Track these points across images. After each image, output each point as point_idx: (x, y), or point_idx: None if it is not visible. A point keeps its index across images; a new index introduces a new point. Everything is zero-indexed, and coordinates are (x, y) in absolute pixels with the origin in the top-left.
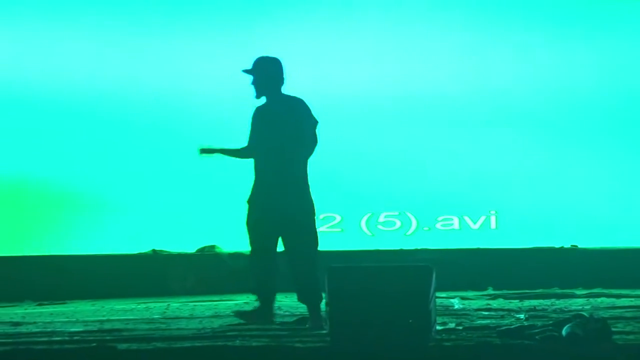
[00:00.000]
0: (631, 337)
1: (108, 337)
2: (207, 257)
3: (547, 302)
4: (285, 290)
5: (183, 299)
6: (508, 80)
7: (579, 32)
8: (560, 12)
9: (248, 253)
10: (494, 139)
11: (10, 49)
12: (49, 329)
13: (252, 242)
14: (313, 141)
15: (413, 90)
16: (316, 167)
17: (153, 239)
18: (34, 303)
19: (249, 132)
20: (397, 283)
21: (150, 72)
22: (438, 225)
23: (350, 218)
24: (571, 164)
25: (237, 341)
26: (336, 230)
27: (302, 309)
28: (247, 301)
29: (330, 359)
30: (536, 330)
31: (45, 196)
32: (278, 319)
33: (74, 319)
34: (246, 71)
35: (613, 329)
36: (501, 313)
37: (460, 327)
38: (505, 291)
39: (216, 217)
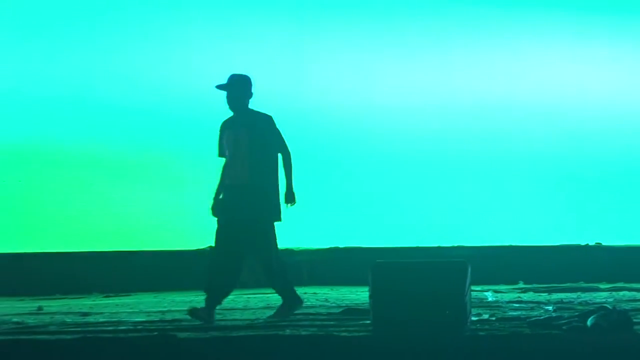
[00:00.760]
0: None
1: (169, 327)
2: None
3: (573, 295)
4: (331, 284)
5: (237, 292)
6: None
7: None
8: None
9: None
10: (518, 144)
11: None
12: (114, 319)
13: (216, 245)
14: (286, 152)
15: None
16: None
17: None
18: (101, 295)
19: (217, 144)
20: (436, 277)
21: None
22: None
23: None
24: (595, 167)
25: (287, 331)
26: None
27: (347, 300)
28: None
29: (373, 347)
30: (563, 321)
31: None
32: (325, 310)
33: (138, 310)
34: (220, 87)
35: (634, 320)
36: (531, 305)
37: (494, 318)
38: (534, 285)
39: None
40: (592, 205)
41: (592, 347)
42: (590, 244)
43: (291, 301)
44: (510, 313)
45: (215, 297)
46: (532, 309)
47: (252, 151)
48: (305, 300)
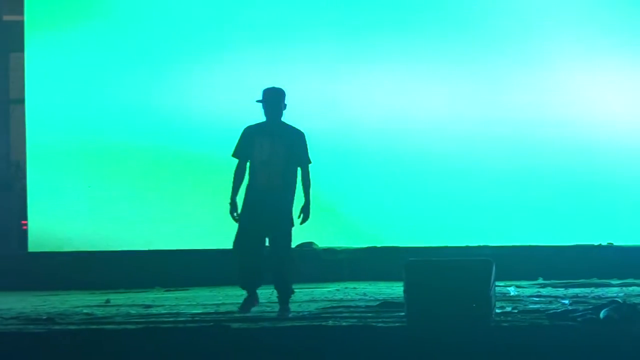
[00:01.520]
0: None
1: (223, 318)
2: (305, 252)
3: (588, 290)
4: (369, 279)
5: None
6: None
7: None
8: None
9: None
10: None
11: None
12: (174, 311)
13: (241, 242)
14: (307, 168)
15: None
16: None
17: None
18: (163, 289)
19: (236, 145)
20: (463, 274)
21: None
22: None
23: None
24: (606, 174)
25: (330, 322)
26: None
27: (384, 294)
28: (338, 288)
29: (408, 336)
30: (578, 314)
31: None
32: (364, 303)
33: (195, 303)
34: (259, 101)
35: None
36: (549, 299)
37: (516, 311)
38: (553, 281)
39: (312, 218)
40: (604, 209)
41: (605, 337)
42: (602, 244)
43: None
44: (531, 306)
45: (253, 287)
46: (550, 302)
47: (287, 161)
48: (346, 294)
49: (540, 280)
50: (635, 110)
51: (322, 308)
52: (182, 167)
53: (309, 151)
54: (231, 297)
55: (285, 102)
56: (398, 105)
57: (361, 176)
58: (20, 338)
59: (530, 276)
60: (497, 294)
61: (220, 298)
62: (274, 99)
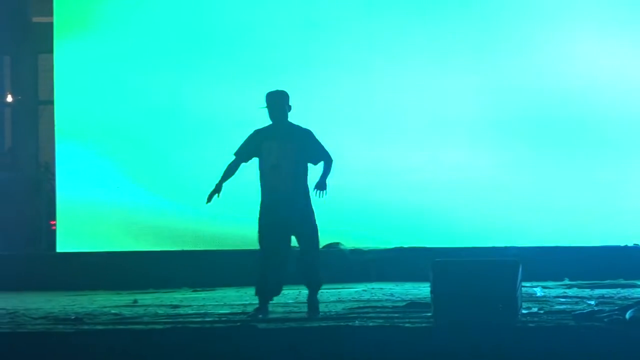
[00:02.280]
0: None
1: (250, 318)
2: (332, 253)
3: (614, 291)
4: (396, 280)
5: None
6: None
7: None
8: None
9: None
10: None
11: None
12: (202, 311)
13: (263, 245)
14: (328, 159)
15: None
16: None
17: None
18: (190, 289)
19: (241, 144)
20: (490, 274)
21: None
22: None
23: None
24: (635, 171)
25: (357, 322)
26: None
27: (411, 295)
28: (365, 289)
29: (434, 337)
30: (604, 315)
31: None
32: (391, 304)
33: (222, 303)
34: (267, 107)
35: None
36: (575, 300)
37: (542, 311)
38: (579, 282)
39: (339, 219)
40: (631, 210)
41: (631, 337)
42: (629, 244)
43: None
44: (557, 307)
45: (265, 298)
46: (576, 303)
47: (296, 163)
48: (373, 294)
49: (567, 281)
50: None
51: (349, 308)
52: (210, 168)
53: (321, 143)
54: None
55: (290, 104)
56: (426, 105)
57: (388, 177)
58: (48, 338)
59: (556, 277)
60: (523, 295)
61: (247, 298)
62: (278, 103)
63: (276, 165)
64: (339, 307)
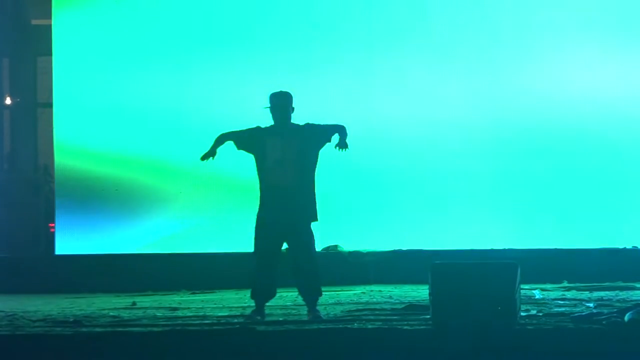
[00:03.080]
0: None
1: (249, 321)
2: (331, 255)
3: (612, 293)
4: (395, 282)
5: None
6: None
7: None
8: None
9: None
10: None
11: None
12: (200, 314)
13: (258, 247)
14: (340, 128)
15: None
16: None
17: None
18: (189, 292)
19: (241, 130)
20: (489, 277)
21: None
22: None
23: None
24: (634, 173)
25: (355, 324)
26: None
27: (409, 297)
28: (364, 291)
29: (433, 339)
30: (603, 317)
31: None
32: (389, 306)
33: (221, 305)
34: (267, 107)
35: None
36: (574, 302)
37: (541, 314)
38: (577, 284)
39: (338, 220)
40: (629, 212)
41: (630, 340)
42: (627, 247)
43: (311, 312)
44: (556, 309)
45: (262, 301)
46: (575, 305)
47: (301, 162)
48: (372, 297)
49: (565, 284)
50: None
51: (348, 311)
52: (209, 170)
53: (324, 124)
54: None
55: (293, 106)
56: (423, 109)
57: (387, 179)
58: (47, 340)
59: (555, 279)
60: (522, 297)
61: (246, 301)
62: (282, 104)
63: (280, 160)
64: (338, 310)
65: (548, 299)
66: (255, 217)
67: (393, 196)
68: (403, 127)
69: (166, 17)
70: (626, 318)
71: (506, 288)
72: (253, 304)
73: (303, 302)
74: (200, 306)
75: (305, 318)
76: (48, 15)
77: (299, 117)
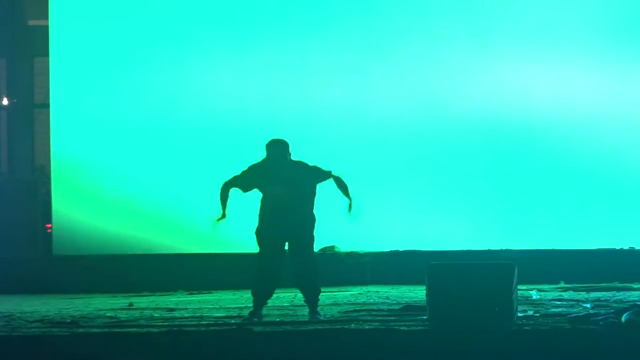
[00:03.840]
0: None
1: (246, 321)
2: (328, 256)
3: (609, 294)
4: (392, 283)
5: None
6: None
7: None
8: None
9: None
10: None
11: None
12: (197, 314)
13: (261, 249)
14: (335, 177)
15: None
16: None
17: None
18: (186, 292)
19: (239, 177)
20: (486, 277)
21: None
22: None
23: None
24: (631, 175)
25: (352, 325)
26: None
27: (406, 298)
28: (361, 292)
29: (430, 340)
30: (600, 317)
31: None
32: (386, 307)
33: (218, 306)
34: (271, 154)
35: None
36: (571, 303)
37: (538, 314)
38: (574, 284)
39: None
40: (626, 213)
41: (627, 340)
42: (624, 248)
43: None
44: (553, 310)
45: (261, 301)
46: (572, 306)
47: (302, 200)
48: (369, 297)
49: (562, 284)
50: None
51: (345, 311)
52: (207, 171)
53: (319, 167)
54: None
55: (290, 152)
56: (421, 110)
57: (384, 180)
58: (44, 341)
59: (552, 280)
60: (519, 298)
61: (243, 301)
62: (279, 154)
63: (284, 208)
64: (335, 310)
65: (545, 300)
66: (257, 219)
67: (390, 197)
68: (400, 127)
69: (162, 17)
70: (623, 319)
71: (503, 289)
72: (250, 305)
73: (300, 303)
74: (197, 307)
75: (302, 319)
76: (45, 16)
77: (299, 121)
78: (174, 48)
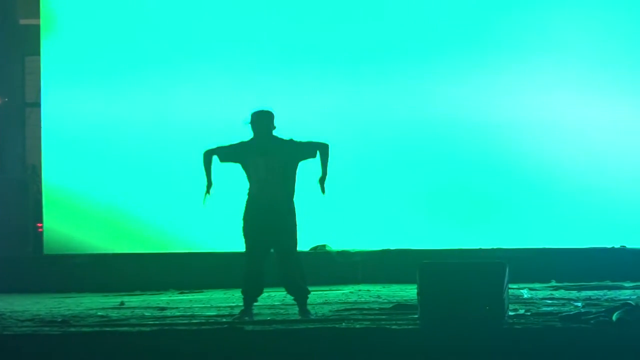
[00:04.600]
0: None
1: (237, 320)
2: (319, 255)
3: (600, 292)
4: (383, 282)
5: None
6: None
7: None
8: None
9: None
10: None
11: None
12: (188, 313)
13: (248, 247)
14: (322, 146)
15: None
16: None
17: None
18: (177, 291)
19: (225, 146)
20: (477, 276)
21: None
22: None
23: None
24: (620, 180)
25: (344, 324)
26: None
27: (397, 297)
28: (352, 291)
29: (421, 338)
30: (591, 316)
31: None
32: (378, 306)
33: (209, 305)
34: (252, 123)
35: None
36: (562, 302)
37: (529, 313)
38: (565, 283)
39: (325, 220)
40: (617, 212)
41: (618, 339)
42: (615, 246)
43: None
44: (544, 309)
45: (251, 298)
46: (563, 305)
47: (283, 176)
48: (360, 296)
49: (553, 283)
50: None
51: (336, 310)
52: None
53: (311, 140)
54: None
55: (275, 124)
56: (410, 108)
57: (375, 178)
58: (35, 340)
59: (543, 279)
60: (510, 297)
61: (234, 300)
62: (264, 123)
63: (264, 179)
64: (326, 309)
65: (536, 299)
66: (242, 218)
67: (381, 195)
68: (391, 126)
69: (153, 15)
70: (614, 317)
71: (494, 287)
72: (241, 304)
73: (291, 302)
74: (189, 306)
75: (294, 317)
76: (36, 14)
77: (289, 121)
78: (165, 46)
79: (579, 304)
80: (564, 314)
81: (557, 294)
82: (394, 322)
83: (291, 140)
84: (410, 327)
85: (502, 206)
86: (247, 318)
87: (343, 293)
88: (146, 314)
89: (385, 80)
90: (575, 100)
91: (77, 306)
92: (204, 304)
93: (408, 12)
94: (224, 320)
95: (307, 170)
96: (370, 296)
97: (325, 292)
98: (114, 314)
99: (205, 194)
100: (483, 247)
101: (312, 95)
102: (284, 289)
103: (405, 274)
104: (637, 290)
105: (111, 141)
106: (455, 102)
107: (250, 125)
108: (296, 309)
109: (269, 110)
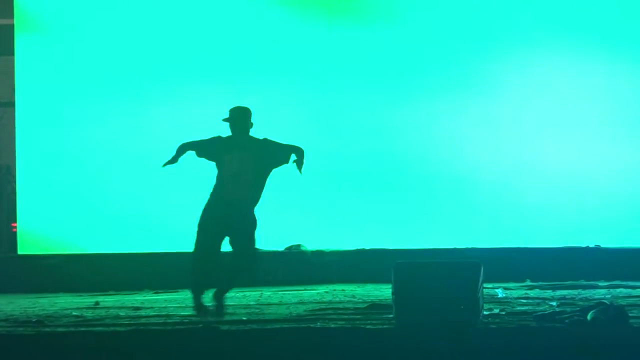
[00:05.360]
0: None
1: (212, 320)
2: (294, 254)
3: (575, 292)
4: (358, 281)
5: (273, 289)
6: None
7: None
8: None
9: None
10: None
11: None
12: (163, 313)
13: (198, 241)
14: (298, 150)
15: None
16: None
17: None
18: (152, 291)
19: (201, 140)
20: (452, 276)
21: None
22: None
23: None
24: (596, 173)
25: (319, 323)
26: None
27: (372, 297)
28: (327, 290)
29: (396, 338)
30: (566, 315)
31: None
32: (352, 305)
33: (184, 305)
34: (225, 120)
35: (630, 315)
36: (537, 301)
37: (503, 313)
38: (540, 283)
39: (300, 219)
40: (591, 211)
41: (592, 338)
42: (590, 246)
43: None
44: (519, 308)
45: (199, 293)
46: (538, 304)
47: (256, 173)
48: (335, 296)
49: (528, 282)
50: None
51: (311, 310)
52: (174, 170)
53: (283, 142)
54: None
55: (252, 121)
56: (388, 108)
57: (350, 178)
58: (9, 340)
59: (517, 278)
60: (485, 296)
61: (209, 301)
62: (240, 118)
63: (236, 174)
64: (301, 309)
65: (511, 298)
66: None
67: (356, 195)
68: (365, 126)
69: (130, 15)
70: (589, 317)
71: (469, 287)
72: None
73: (265, 302)
74: (164, 306)
75: (269, 317)
76: (10, 14)
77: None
78: (141, 46)
79: (554, 303)
80: (538, 313)
81: (532, 293)
82: (369, 321)
83: (265, 140)
84: (385, 326)
85: (476, 206)
86: (199, 313)
87: (318, 293)
88: (121, 313)
89: (357, 83)
90: (553, 102)
91: (51, 306)
92: (179, 303)
93: (392, 21)
94: (199, 320)
95: (280, 168)
96: (345, 296)
97: (300, 291)
98: (88, 314)
99: (167, 162)
100: (458, 247)
101: (287, 97)
102: (259, 289)
103: (380, 273)
104: (611, 290)
105: (86, 141)
106: (428, 104)
107: (228, 121)
108: (273, 309)
109: (247, 107)
